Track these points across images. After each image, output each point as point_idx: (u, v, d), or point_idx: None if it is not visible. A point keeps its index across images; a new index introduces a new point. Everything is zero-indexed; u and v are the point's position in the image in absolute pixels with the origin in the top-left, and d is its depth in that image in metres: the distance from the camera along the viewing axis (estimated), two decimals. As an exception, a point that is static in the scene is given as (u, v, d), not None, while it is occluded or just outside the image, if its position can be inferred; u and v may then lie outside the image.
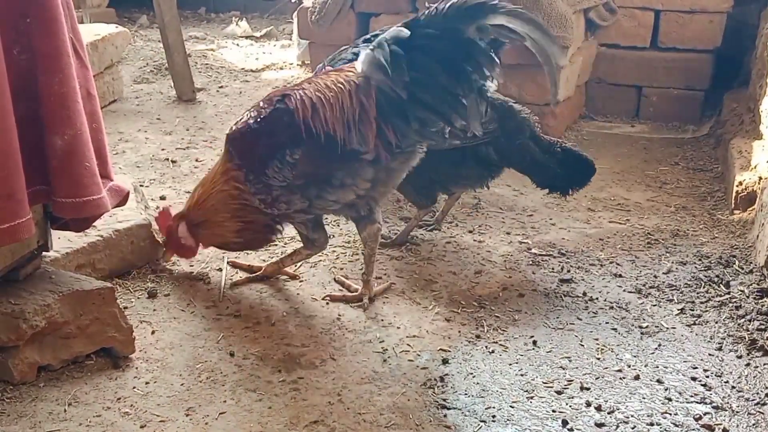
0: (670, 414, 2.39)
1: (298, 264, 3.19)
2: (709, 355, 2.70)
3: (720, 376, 2.57)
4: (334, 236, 3.49)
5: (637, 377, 2.56)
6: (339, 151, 2.66)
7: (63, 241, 2.78)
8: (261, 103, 2.81)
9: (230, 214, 2.86)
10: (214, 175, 2.87)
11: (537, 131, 3.37)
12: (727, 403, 2.44)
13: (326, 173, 2.72)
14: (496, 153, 3.29)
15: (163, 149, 4.43)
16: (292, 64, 6.43)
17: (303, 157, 2.70)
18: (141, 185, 3.75)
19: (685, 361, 2.66)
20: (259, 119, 2.75)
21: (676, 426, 2.33)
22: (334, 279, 3.12)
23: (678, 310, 2.97)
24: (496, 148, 3.29)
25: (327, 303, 2.95)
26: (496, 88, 2.66)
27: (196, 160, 4.24)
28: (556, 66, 2.55)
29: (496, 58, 2.56)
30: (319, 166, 2.72)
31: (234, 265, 3.18)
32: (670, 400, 2.45)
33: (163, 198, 3.72)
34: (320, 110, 2.66)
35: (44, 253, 2.53)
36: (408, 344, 2.72)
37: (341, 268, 3.21)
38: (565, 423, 2.33)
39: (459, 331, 2.81)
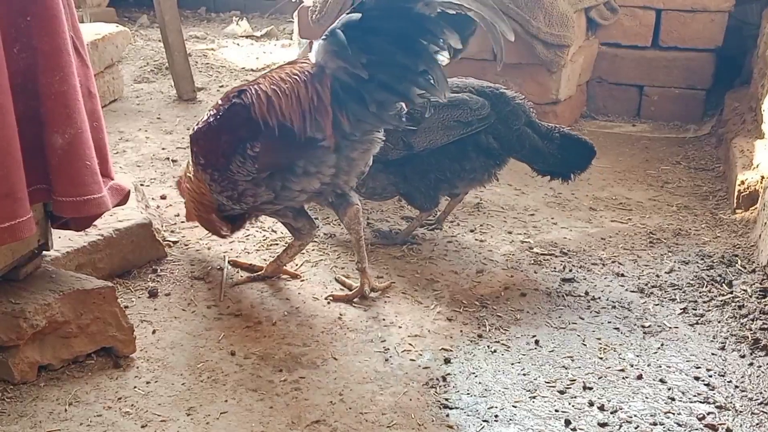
0: (674, 414, 2.38)
1: (299, 263, 3.19)
2: (712, 354, 2.69)
3: (723, 376, 2.56)
4: (335, 235, 3.48)
5: (639, 377, 2.55)
6: (297, 140, 2.68)
7: (63, 240, 2.77)
8: (219, 101, 2.84)
9: (194, 205, 3.01)
10: (188, 168, 3.00)
11: (533, 117, 3.37)
12: (731, 402, 2.43)
13: (287, 163, 2.74)
14: (496, 141, 3.29)
15: (163, 148, 4.43)
16: (292, 63, 6.41)
17: (263, 148, 2.71)
18: (141, 184, 3.74)
19: (688, 361, 2.65)
20: (218, 117, 2.78)
21: (680, 426, 2.32)
22: (335, 279, 3.11)
23: (680, 309, 2.97)
24: (496, 136, 3.29)
25: (329, 302, 2.94)
26: (449, 61, 2.66)
27: (197, 160, 4.23)
28: (502, 38, 2.55)
29: (449, 28, 2.54)
30: (279, 156, 2.73)
31: (235, 264, 3.17)
32: (673, 399, 2.44)
33: (163, 197, 3.72)
34: (275, 102, 2.67)
35: (44, 252, 2.52)
36: (410, 344, 2.71)
37: (342, 268, 3.20)
38: (567, 423, 2.32)
39: (461, 331, 2.80)
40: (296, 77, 2.70)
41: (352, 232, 2.94)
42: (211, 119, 2.80)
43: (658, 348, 2.72)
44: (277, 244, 3.34)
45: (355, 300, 2.96)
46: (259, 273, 3.08)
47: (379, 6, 2.53)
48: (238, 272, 3.13)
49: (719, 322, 2.87)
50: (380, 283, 3.05)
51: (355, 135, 2.71)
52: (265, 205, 2.86)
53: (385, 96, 2.63)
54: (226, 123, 2.76)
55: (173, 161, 4.21)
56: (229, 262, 3.18)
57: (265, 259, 3.19)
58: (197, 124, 2.87)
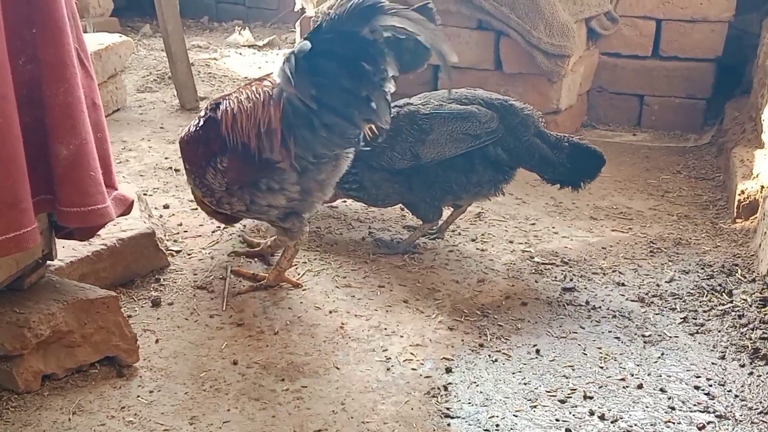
0: (674, 423, 2.39)
1: (301, 273, 3.21)
2: (712, 364, 2.70)
3: (723, 385, 2.58)
4: (336, 243, 3.49)
5: (640, 386, 2.56)
6: (256, 159, 2.79)
7: (67, 250, 2.78)
8: (203, 111, 2.99)
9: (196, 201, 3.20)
10: None
11: (542, 127, 3.40)
12: (731, 412, 2.44)
13: (249, 180, 2.86)
14: (505, 152, 3.31)
15: (166, 158, 4.44)
16: (294, 72, 6.43)
17: (229, 164, 2.85)
18: (145, 194, 3.76)
19: (688, 370, 2.66)
20: (198, 127, 2.94)
21: (680, 435, 2.34)
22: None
23: (681, 318, 2.98)
24: (505, 148, 3.31)
25: (330, 312, 2.95)
26: (393, 90, 2.73)
27: (199, 169, 4.24)
28: (448, 61, 2.60)
29: (393, 57, 2.63)
30: (242, 173, 2.85)
31: (238, 273, 3.19)
32: (673, 409, 2.46)
33: (166, 207, 3.73)
34: (239, 120, 2.80)
35: (49, 262, 2.54)
36: (411, 353, 2.72)
37: (344, 277, 3.21)
38: (568, 432, 2.33)
39: (462, 340, 2.81)
40: (258, 96, 2.80)
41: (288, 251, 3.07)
42: (193, 128, 2.96)
43: (659, 357, 2.73)
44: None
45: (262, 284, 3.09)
46: (262, 282, 3.10)
47: (332, 30, 2.61)
48: (240, 281, 3.14)
49: (719, 331, 2.88)
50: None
51: (308, 158, 2.78)
52: (241, 213, 3.01)
53: (333, 119, 2.69)
54: (203, 135, 2.91)
55: (176, 171, 4.22)
56: (231, 271, 3.19)
57: (267, 268, 3.21)
58: (185, 130, 3.02)
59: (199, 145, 2.91)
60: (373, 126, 2.78)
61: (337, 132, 2.73)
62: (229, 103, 2.85)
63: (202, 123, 2.92)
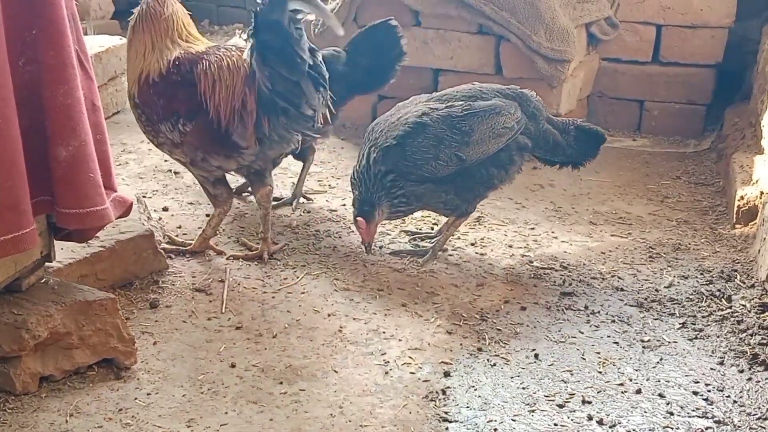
0: (672, 428, 2.38)
1: (300, 276, 3.20)
2: (711, 369, 2.69)
3: (722, 391, 2.57)
4: (335, 247, 3.49)
5: (638, 391, 2.56)
6: (222, 134, 3.00)
7: (66, 252, 2.78)
8: (179, 56, 3.06)
9: None
10: None
11: (548, 114, 3.50)
12: (729, 417, 2.44)
13: (208, 150, 3.06)
14: (529, 140, 3.38)
15: (165, 160, 4.42)
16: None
17: (193, 130, 3.03)
18: (144, 196, 3.75)
19: (686, 375, 2.66)
20: (171, 75, 3.03)
21: (678, 440, 2.33)
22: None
23: (680, 324, 2.97)
24: (528, 135, 3.37)
25: (328, 316, 2.95)
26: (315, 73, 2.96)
27: (199, 172, 4.24)
28: (326, 19, 3.11)
29: (310, 44, 2.93)
30: (203, 142, 3.04)
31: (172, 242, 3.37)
32: (671, 414, 2.45)
33: (165, 209, 3.73)
34: (217, 90, 2.99)
35: (47, 263, 2.54)
36: (410, 357, 2.72)
37: (343, 280, 3.21)
38: (566, 437, 2.33)
39: (461, 344, 2.81)
40: (237, 71, 2.99)
41: (261, 208, 3.28)
42: (166, 73, 3.03)
43: (657, 362, 2.73)
44: (279, 259, 3.36)
45: (253, 261, 3.29)
46: (188, 248, 3.29)
47: (263, 19, 2.89)
48: (240, 284, 3.14)
49: (718, 337, 2.88)
50: (276, 245, 3.39)
51: (273, 136, 3.04)
52: (175, 156, 3.16)
53: (284, 105, 2.95)
54: (169, 90, 3.03)
55: (175, 173, 4.22)
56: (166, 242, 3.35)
57: (266, 273, 3.20)
58: (157, 71, 3.05)
59: (161, 98, 3.02)
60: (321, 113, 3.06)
61: (292, 116, 2.99)
62: (210, 64, 3.00)
63: (173, 74, 3.01)
